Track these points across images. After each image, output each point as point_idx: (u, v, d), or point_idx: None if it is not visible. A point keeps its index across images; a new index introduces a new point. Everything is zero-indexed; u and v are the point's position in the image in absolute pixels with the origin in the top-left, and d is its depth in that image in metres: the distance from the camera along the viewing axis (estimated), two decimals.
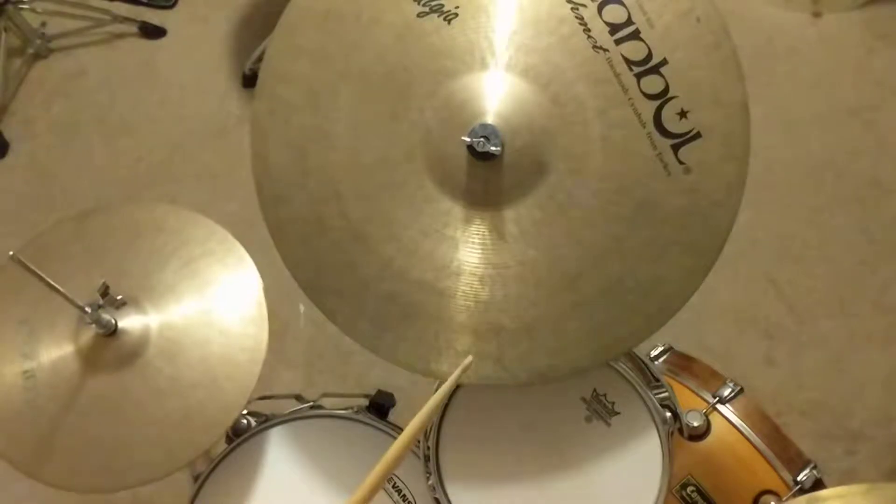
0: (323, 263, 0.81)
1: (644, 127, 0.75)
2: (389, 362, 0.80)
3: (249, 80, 2.06)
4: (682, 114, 0.75)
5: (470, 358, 0.77)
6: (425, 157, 0.78)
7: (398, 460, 0.69)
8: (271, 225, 0.81)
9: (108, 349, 0.90)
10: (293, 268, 0.81)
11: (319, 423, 1.03)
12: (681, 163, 0.75)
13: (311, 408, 1.07)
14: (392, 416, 1.10)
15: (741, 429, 1.09)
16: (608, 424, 0.90)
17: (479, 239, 0.78)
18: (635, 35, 0.74)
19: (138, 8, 2.22)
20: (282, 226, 0.81)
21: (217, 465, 0.99)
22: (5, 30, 2.06)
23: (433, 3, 0.77)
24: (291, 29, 0.80)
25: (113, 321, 0.89)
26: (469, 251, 0.78)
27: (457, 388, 0.92)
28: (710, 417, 1.10)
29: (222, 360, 0.90)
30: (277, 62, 0.80)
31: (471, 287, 0.78)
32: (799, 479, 1.07)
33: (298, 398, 1.15)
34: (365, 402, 1.12)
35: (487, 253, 0.78)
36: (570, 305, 0.77)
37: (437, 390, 0.77)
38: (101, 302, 0.88)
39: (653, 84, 0.75)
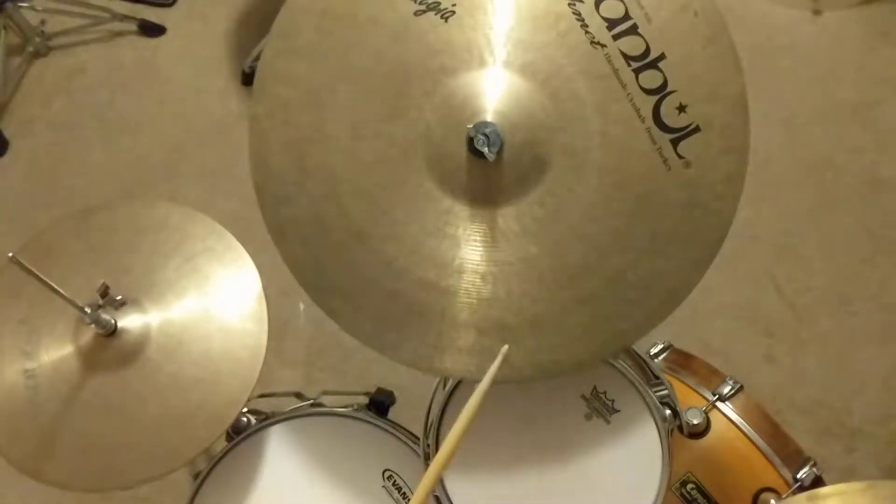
0: (324, 263, 0.80)
1: (643, 122, 0.75)
2: (393, 361, 0.80)
3: (249, 78, 2.06)
4: (681, 108, 0.75)
5: (506, 347, 0.76)
6: (425, 156, 0.78)
7: (450, 457, 0.71)
8: (271, 226, 0.81)
9: (108, 348, 0.90)
10: (295, 268, 0.81)
11: (319, 420, 1.03)
12: (680, 157, 0.75)
13: (312, 406, 1.08)
14: (392, 414, 1.10)
15: (741, 426, 1.09)
16: (608, 422, 0.90)
17: (480, 236, 0.78)
18: (633, 30, 0.74)
19: (137, 6, 2.22)
20: (282, 226, 0.81)
21: (217, 463, 0.99)
22: (5, 28, 2.06)
23: (430, 1, 0.77)
24: (288, 29, 0.80)
25: (112, 321, 0.89)
26: (471, 249, 0.78)
27: (458, 383, 0.92)
28: (710, 415, 1.10)
29: (223, 356, 0.90)
30: (275, 63, 0.80)
31: (473, 285, 0.78)
32: (798, 476, 1.07)
33: (298, 396, 1.15)
34: (365, 399, 1.12)
35: (489, 250, 0.78)
36: (572, 301, 0.77)
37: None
38: (100, 302, 0.88)
39: (651, 79, 0.75)
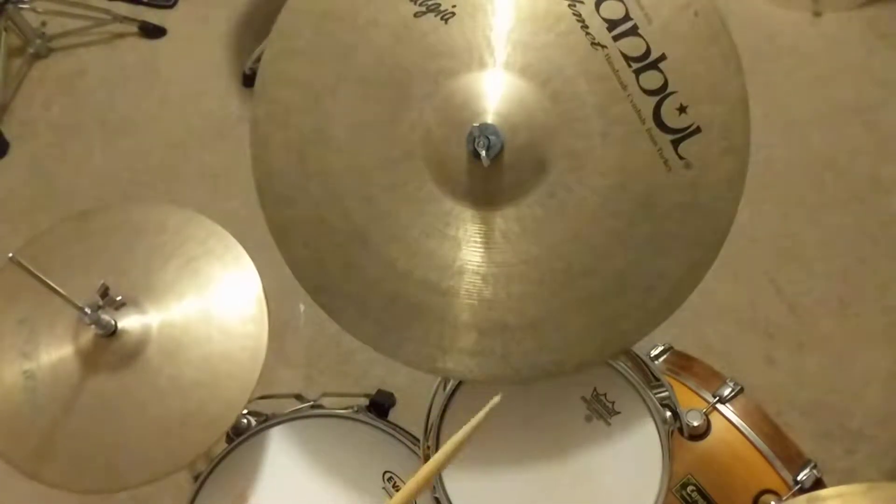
0: (326, 265, 0.81)
1: (644, 123, 0.75)
2: (395, 361, 0.80)
3: (249, 80, 2.06)
4: (682, 109, 0.75)
5: (498, 398, 0.67)
6: (426, 158, 0.78)
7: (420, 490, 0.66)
8: (274, 227, 0.81)
9: (107, 349, 0.90)
10: (297, 270, 0.81)
11: (320, 422, 1.03)
12: (681, 158, 0.75)
13: (312, 407, 1.08)
14: (392, 416, 1.10)
15: (741, 428, 1.09)
16: (608, 424, 0.90)
17: (481, 238, 0.78)
18: (633, 31, 0.74)
19: (138, 7, 2.23)
20: (284, 228, 0.81)
21: (217, 464, 0.99)
22: (5, 29, 2.06)
23: (430, 3, 0.77)
24: (289, 31, 0.80)
25: (112, 322, 0.89)
26: (472, 250, 0.78)
27: (458, 384, 0.92)
28: (710, 417, 1.10)
29: (223, 358, 0.90)
30: (275, 65, 0.80)
31: (474, 286, 0.78)
32: (799, 478, 1.07)
33: (299, 398, 1.15)
34: (365, 401, 1.12)
35: (490, 252, 0.78)
36: (573, 302, 0.77)
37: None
38: (100, 303, 0.88)
39: (652, 80, 0.75)
